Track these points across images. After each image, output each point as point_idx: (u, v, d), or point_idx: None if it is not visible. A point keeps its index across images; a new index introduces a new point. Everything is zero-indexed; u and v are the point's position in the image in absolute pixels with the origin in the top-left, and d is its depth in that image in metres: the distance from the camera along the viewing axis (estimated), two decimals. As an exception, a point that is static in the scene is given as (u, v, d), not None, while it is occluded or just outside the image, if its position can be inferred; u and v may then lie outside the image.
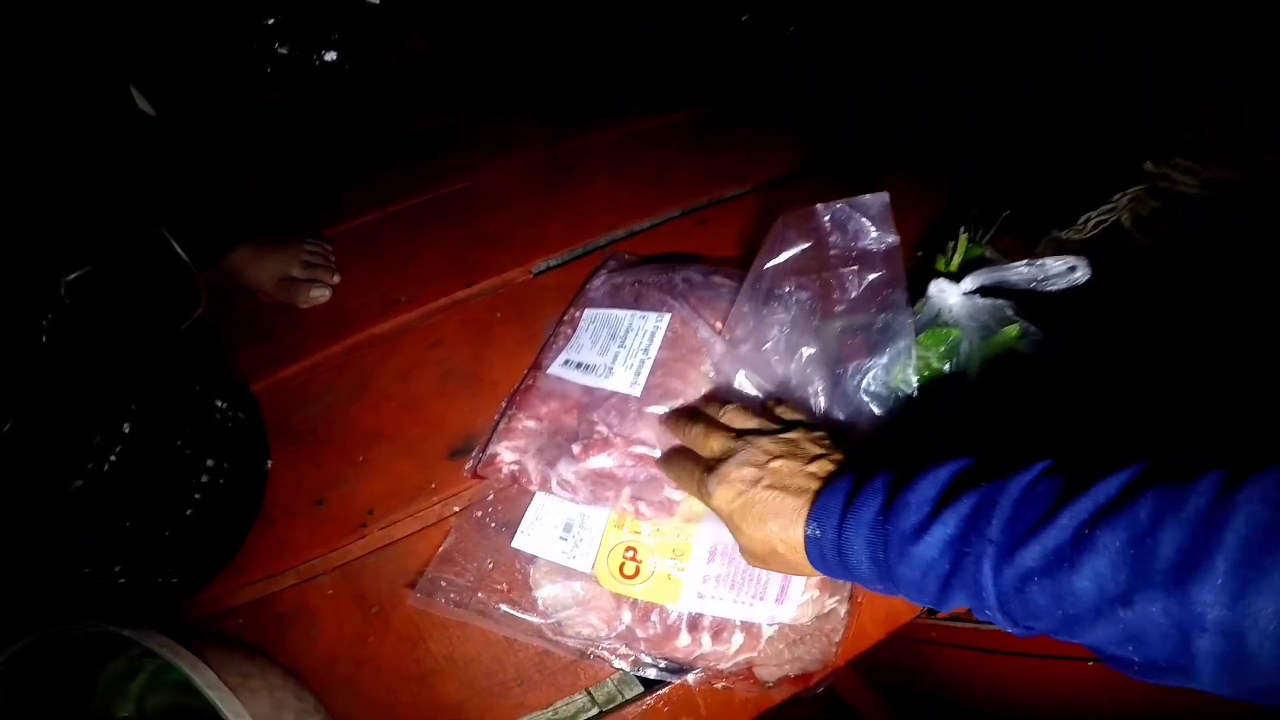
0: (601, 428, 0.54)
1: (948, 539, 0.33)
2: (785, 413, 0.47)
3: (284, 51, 0.79)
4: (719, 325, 0.56)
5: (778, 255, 0.52)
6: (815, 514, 0.38)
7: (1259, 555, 0.24)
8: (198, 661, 0.47)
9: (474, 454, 0.62)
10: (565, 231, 0.80)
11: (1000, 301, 0.54)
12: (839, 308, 0.51)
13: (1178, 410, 0.52)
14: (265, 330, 0.73)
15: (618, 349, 0.58)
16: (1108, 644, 0.29)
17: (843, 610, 0.56)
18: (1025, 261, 0.52)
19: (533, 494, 0.57)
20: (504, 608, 0.55)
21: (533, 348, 0.68)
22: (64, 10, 0.54)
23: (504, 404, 0.64)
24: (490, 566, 0.56)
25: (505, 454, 0.57)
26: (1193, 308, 0.61)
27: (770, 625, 0.54)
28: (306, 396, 0.69)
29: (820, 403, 0.51)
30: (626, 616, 0.54)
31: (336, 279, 0.75)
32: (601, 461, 0.53)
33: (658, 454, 0.53)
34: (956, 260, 0.59)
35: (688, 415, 0.50)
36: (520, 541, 0.56)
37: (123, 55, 0.61)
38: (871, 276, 0.51)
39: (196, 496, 0.57)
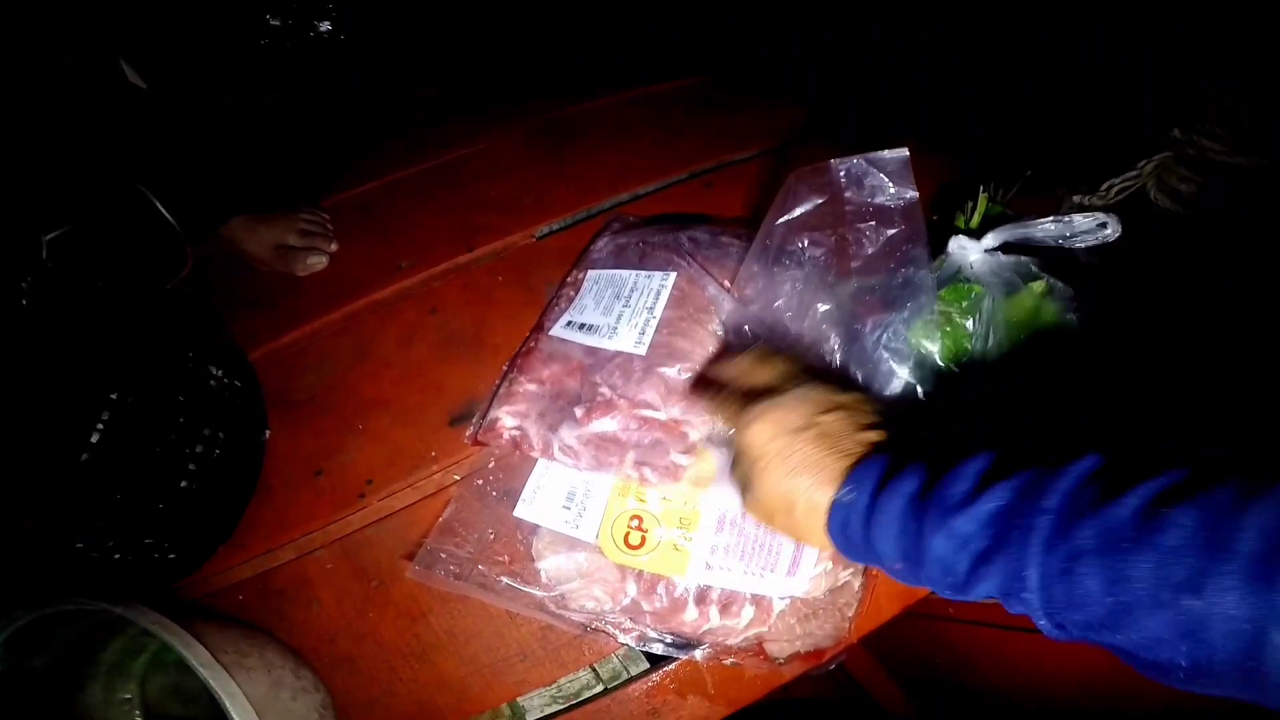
0: (605, 389, 0.52)
1: (993, 511, 0.30)
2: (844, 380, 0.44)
3: (276, 23, 0.78)
4: (727, 284, 0.54)
5: (790, 211, 0.49)
6: (853, 478, 0.35)
7: None
8: (191, 639, 0.46)
9: (474, 420, 0.61)
10: (569, 195, 0.78)
11: (1024, 258, 0.51)
12: (855, 264, 0.49)
13: (1199, 394, 0.50)
14: (263, 299, 0.72)
15: (622, 308, 0.56)
16: (1158, 641, 0.26)
17: (856, 584, 0.54)
18: (1052, 218, 0.49)
19: (535, 461, 0.55)
20: (505, 580, 0.53)
21: (535, 311, 0.66)
22: None
23: (505, 368, 0.62)
24: (491, 537, 0.55)
25: (506, 419, 0.55)
26: (1213, 286, 0.59)
27: (781, 599, 0.52)
28: (305, 364, 0.67)
29: (836, 359, 0.49)
30: (632, 589, 0.52)
31: (334, 246, 0.74)
32: (605, 425, 0.51)
33: (663, 416, 0.51)
34: (977, 218, 0.56)
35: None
36: (522, 510, 0.54)
37: (113, 28, 0.60)
38: (890, 232, 0.49)
39: (192, 468, 0.55)
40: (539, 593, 0.53)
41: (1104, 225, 0.48)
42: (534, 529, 0.54)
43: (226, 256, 0.73)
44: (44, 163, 0.47)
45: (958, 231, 0.52)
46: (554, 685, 0.55)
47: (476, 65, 1.00)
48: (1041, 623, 0.30)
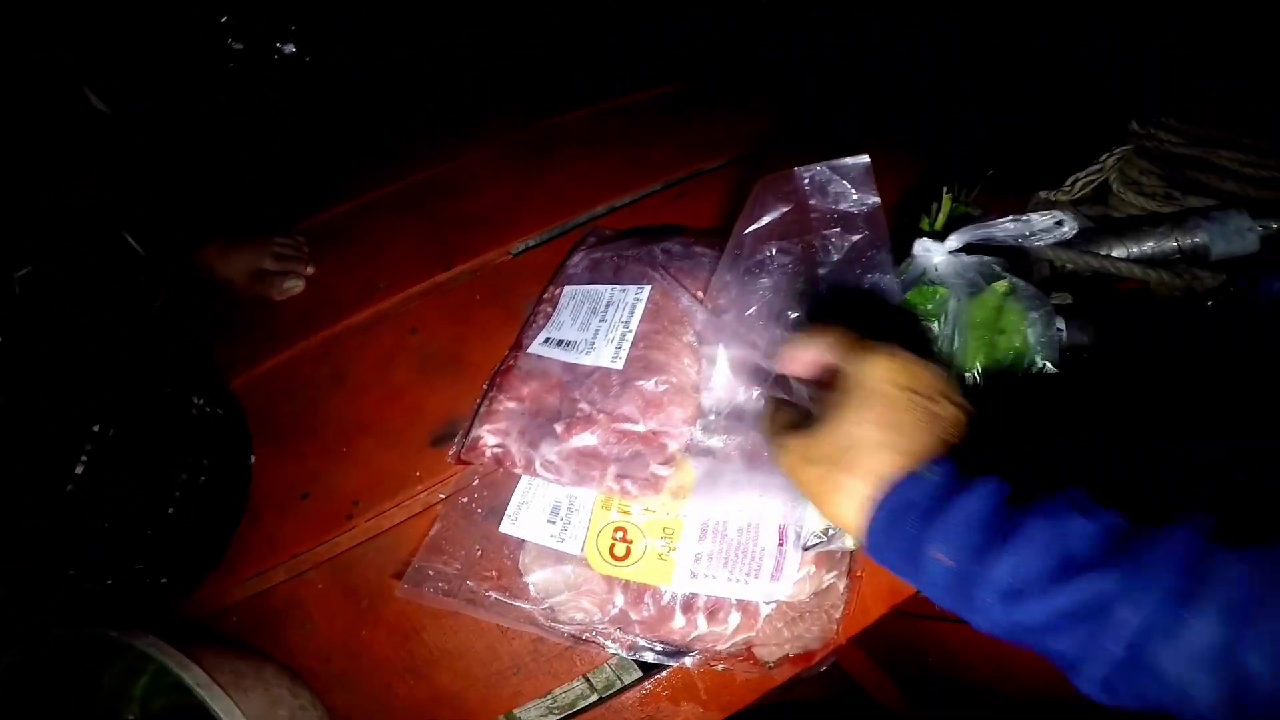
0: (584, 405, 0.52)
1: (1071, 619, 0.27)
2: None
3: (239, 47, 0.78)
4: (700, 294, 0.55)
5: (757, 220, 0.50)
6: (942, 458, 0.31)
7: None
8: (187, 660, 0.47)
9: (457, 439, 0.61)
10: (543, 211, 0.78)
11: (988, 259, 0.52)
12: (822, 270, 0.49)
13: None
14: (241, 325, 0.72)
15: (599, 324, 0.56)
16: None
17: (841, 586, 0.55)
18: (1011, 218, 0.50)
19: (519, 477, 0.56)
20: (494, 595, 0.54)
21: (513, 328, 0.66)
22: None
23: (485, 387, 0.63)
24: (479, 553, 0.55)
25: (488, 437, 0.55)
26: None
27: (767, 604, 0.53)
28: (286, 390, 0.68)
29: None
30: (619, 599, 0.53)
31: (310, 270, 0.74)
32: (585, 440, 0.52)
33: (642, 429, 0.51)
34: (941, 219, 0.57)
35: None
36: (508, 526, 0.54)
37: (76, 56, 0.60)
38: (854, 238, 0.49)
39: (177, 495, 0.56)
40: (528, 606, 0.54)
41: (1060, 223, 0.48)
42: (520, 544, 0.55)
43: (202, 283, 0.73)
44: (13, 195, 0.47)
45: (922, 234, 0.52)
46: (549, 696, 0.56)
47: (453, 78, 1.00)
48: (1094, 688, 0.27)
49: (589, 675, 0.56)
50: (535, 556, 0.54)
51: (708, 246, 0.60)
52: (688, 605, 0.52)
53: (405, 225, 0.79)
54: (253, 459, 0.64)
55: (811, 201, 0.49)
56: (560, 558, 0.53)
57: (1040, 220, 0.47)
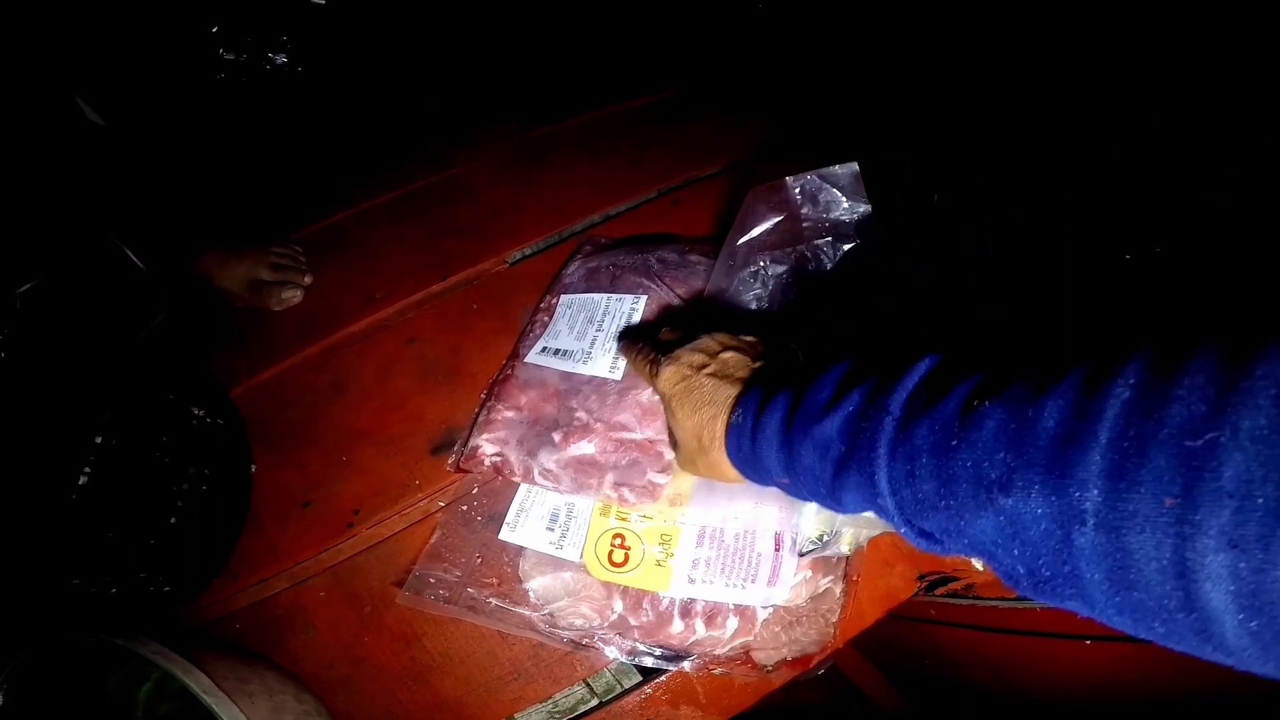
0: (581, 414, 0.53)
1: (847, 415, 0.31)
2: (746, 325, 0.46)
3: (230, 57, 0.78)
4: (696, 304, 0.55)
5: (749, 231, 0.50)
6: (742, 401, 0.37)
7: (1140, 425, 0.21)
8: (192, 667, 0.47)
9: (456, 448, 0.61)
10: (539, 219, 0.78)
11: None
12: (815, 279, 0.50)
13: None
14: (240, 335, 0.73)
15: (595, 333, 0.57)
16: (992, 545, 0.25)
17: (838, 590, 0.55)
18: None
19: (517, 485, 0.56)
20: (494, 601, 0.54)
21: (511, 338, 0.67)
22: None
23: (484, 396, 0.63)
24: (478, 561, 0.56)
25: (486, 446, 0.56)
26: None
27: (764, 608, 0.53)
28: (285, 399, 0.68)
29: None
30: (618, 605, 0.54)
31: (308, 279, 0.74)
32: (583, 448, 0.52)
33: (639, 437, 0.52)
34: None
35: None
36: (507, 534, 0.55)
37: (67, 66, 0.61)
38: (846, 247, 0.50)
39: (179, 504, 0.56)
40: (528, 612, 0.54)
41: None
42: (520, 551, 0.55)
43: (200, 293, 0.73)
44: (14, 211, 0.48)
45: None
46: (549, 701, 0.56)
47: (448, 86, 1.00)
48: (903, 530, 0.30)
49: (589, 680, 0.57)
50: (534, 563, 0.55)
51: (702, 255, 0.60)
52: (686, 610, 0.53)
53: (402, 234, 0.79)
54: (253, 468, 0.64)
55: (803, 210, 0.49)
56: (559, 564, 0.54)
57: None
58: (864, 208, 0.47)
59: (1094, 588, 0.23)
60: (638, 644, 0.54)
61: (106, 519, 0.51)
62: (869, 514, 0.47)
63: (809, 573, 0.53)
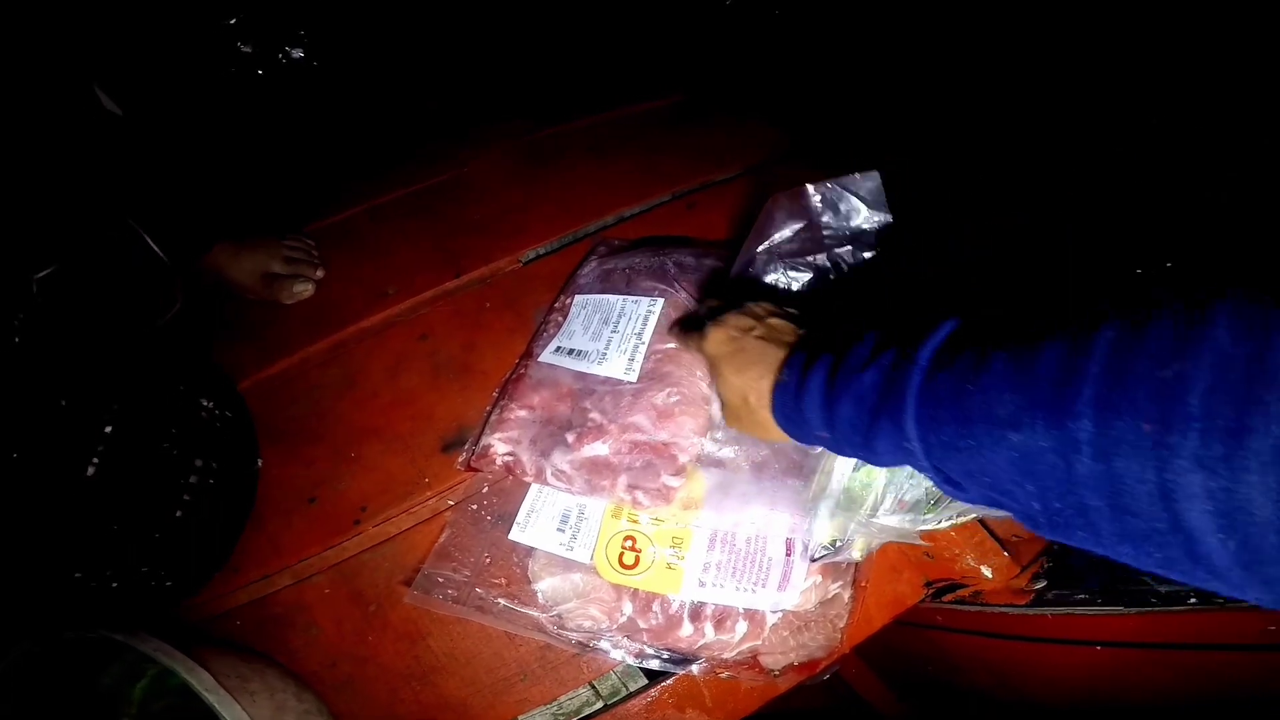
0: (595, 415, 0.53)
1: (882, 370, 0.34)
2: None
3: (247, 50, 0.78)
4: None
5: (768, 237, 0.51)
6: (789, 363, 0.40)
7: (1122, 360, 0.23)
8: (194, 665, 0.47)
9: (467, 446, 0.61)
10: (553, 219, 0.78)
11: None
12: (834, 287, 0.50)
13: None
14: (250, 328, 0.72)
15: (610, 334, 0.57)
16: (1009, 484, 0.28)
17: (846, 595, 0.56)
18: None
19: (528, 485, 0.56)
20: (503, 602, 0.54)
21: (524, 336, 0.66)
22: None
23: (496, 394, 0.63)
24: (487, 561, 0.55)
25: (498, 445, 0.55)
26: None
27: (774, 612, 0.53)
28: (294, 394, 0.67)
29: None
30: (628, 608, 0.53)
31: (320, 274, 0.74)
32: (596, 450, 0.52)
33: (653, 440, 0.52)
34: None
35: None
36: (517, 534, 0.55)
37: (88, 55, 0.60)
38: (866, 255, 0.50)
39: (185, 498, 0.56)
40: (536, 613, 0.54)
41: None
42: (529, 551, 0.55)
43: (211, 286, 0.72)
44: (32, 198, 0.47)
45: None
46: (554, 703, 0.56)
47: (465, 83, 1.00)
48: (931, 475, 0.33)
49: (595, 683, 0.57)
50: (544, 564, 0.54)
51: (719, 260, 0.60)
52: (695, 614, 0.53)
53: (415, 230, 0.79)
54: (260, 462, 0.63)
55: (823, 219, 0.49)
56: (569, 565, 0.54)
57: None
58: (885, 217, 0.48)
59: (1097, 515, 0.25)
60: (646, 647, 0.54)
61: (112, 512, 0.51)
62: (883, 521, 0.47)
63: (819, 578, 0.53)
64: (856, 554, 0.53)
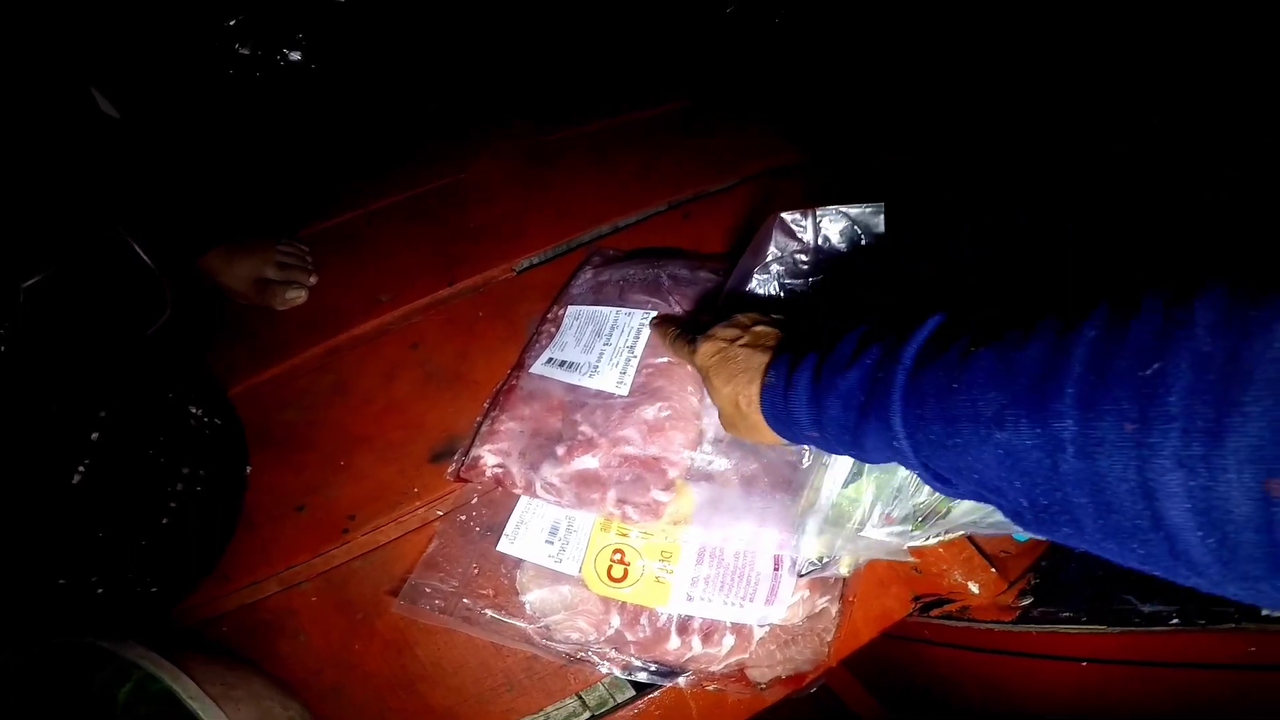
0: (585, 428, 0.53)
1: (866, 368, 0.34)
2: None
3: (245, 52, 0.77)
4: (705, 322, 0.55)
5: (764, 256, 0.51)
6: (774, 365, 0.41)
7: (1103, 359, 0.23)
8: (179, 672, 0.47)
9: (457, 457, 0.61)
10: (549, 227, 0.78)
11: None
12: (824, 310, 0.50)
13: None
14: (242, 334, 0.72)
15: (603, 347, 0.57)
16: (996, 480, 0.28)
17: (834, 610, 0.56)
18: None
19: (517, 496, 0.56)
20: (490, 613, 0.54)
21: (516, 346, 0.66)
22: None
23: (487, 405, 0.63)
24: (475, 571, 0.55)
25: (488, 457, 0.55)
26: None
27: (761, 626, 0.53)
28: (285, 400, 0.67)
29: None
30: (615, 620, 0.53)
31: (313, 280, 0.74)
32: (586, 463, 0.52)
33: (643, 454, 0.52)
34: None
35: None
36: (505, 546, 0.55)
37: (84, 58, 0.60)
38: (858, 284, 0.50)
39: (173, 505, 0.55)
40: (524, 625, 0.54)
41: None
42: (518, 563, 0.55)
43: (203, 292, 0.72)
44: (22, 204, 0.47)
45: None
46: (541, 714, 0.56)
47: (462, 89, 0.99)
48: (920, 473, 0.33)
49: (582, 694, 0.57)
50: (532, 576, 0.54)
51: (713, 273, 0.60)
52: (683, 627, 0.53)
53: (410, 237, 0.79)
54: (249, 469, 0.63)
55: (820, 242, 0.50)
56: (557, 577, 0.54)
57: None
58: (883, 248, 0.48)
59: (1082, 512, 0.25)
60: (633, 659, 0.54)
61: (98, 518, 0.50)
62: (871, 536, 0.48)
63: (806, 592, 0.54)
64: (844, 570, 0.53)
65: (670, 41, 1.02)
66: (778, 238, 0.50)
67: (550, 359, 0.59)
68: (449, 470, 0.61)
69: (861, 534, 0.48)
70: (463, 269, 0.75)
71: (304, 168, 0.86)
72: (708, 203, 0.81)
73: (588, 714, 0.57)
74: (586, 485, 0.52)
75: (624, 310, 0.58)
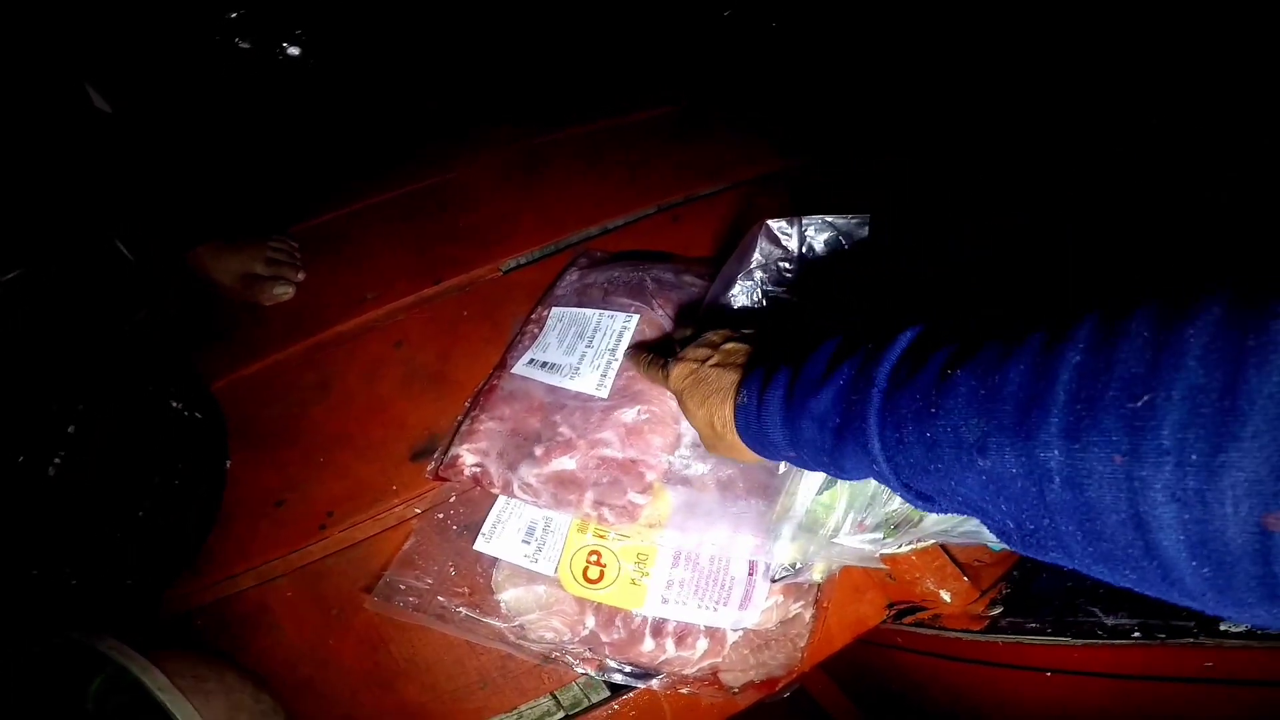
0: (565, 429, 0.53)
1: (839, 388, 0.33)
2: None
3: (246, 46, 0.77)
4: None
5: (749, 263, 0.51)
6: (745, 383, 0.40)
7: (1090, 388, 0.22)
8: (149, 664, 0.47)
9: (436, 455, 0.61)
10: (537, 228, 0.78)
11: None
12: (805, 318, 0.51)
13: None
14: (228, 328, 0.72)
15: (585, 349, 0.57)
16: (980, 502, 0.27)
17: (808, 615, 0.56)
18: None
19: (496, 496, 0.56)
20: (464, 611, 0.54)
21: (499, 346, 0.67)
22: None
23: (468, 404, 0.63)
24: (451, 570, 0.55)
25: (467, 456, 0.56)
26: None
27: (735, 630, 0.54)
28: (268, 396, 0.67)
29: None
30: (590, 621, 0.54)
31: (301, 276, 0.74)
32: (564, 464, 0.52)
33: (621, 456, 0.52)
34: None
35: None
36: (482, 545, 0.55)
37: (79, 52, 0.59)
38: (841, 293, 0.50)
39: (150, 498, 0.55)
40: (498, 624, 0.54)
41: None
42: (494, 562, 0.55)
43: (193, 283, 0.72)
44: (6, 200, 0.47)
45: None
46: (514, 712, 0.56)
47: (454, 88, 0.99)
48: (901, 493, 0.32)
49: (556, 693, 0.57)
50: (508, 575, 0.55)
51: (698, 276, 0.61)
52: (657, 629, 0.53)
53: (398, 235, 0.79)
54: (229, 463, 0.63)
55: (805, 251, 0.50)
56: (533, 577, 0.54)
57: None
58: (868, 257, 0.48)
59: (1070, 539, 0.24)
60: (608, 660, 0.54)
61: (73, 511, 0.50)
62: (844, 543, 0.48)
63: (780, 598, 0.54)
64: (817, 576, 0.54)
65: (666, 44, 1.02)
66: (763, 245, 0.50)
67: (532, 360, 0.59)
68: (428, 469, 0.61)
69: (835, 541, 0.49)
70: (450, 268, 0.75)
71: (297, 164, 0.86)
72: (697, 206, 0.81)
73: (561, 713, 0.57)
74: (564, 486, 0.52)
75: (607, 313, 0.58)
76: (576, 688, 0.57)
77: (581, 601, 0.54)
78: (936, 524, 0.49)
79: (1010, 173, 0.72)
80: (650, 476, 0.52)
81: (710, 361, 0.43)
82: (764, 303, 0.52)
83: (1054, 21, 0.77)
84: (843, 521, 0.48)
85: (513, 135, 0.89)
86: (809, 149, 0.88)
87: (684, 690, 0.55)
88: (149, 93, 0.69)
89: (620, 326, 0.57)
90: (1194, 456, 0.20)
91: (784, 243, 0.51)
